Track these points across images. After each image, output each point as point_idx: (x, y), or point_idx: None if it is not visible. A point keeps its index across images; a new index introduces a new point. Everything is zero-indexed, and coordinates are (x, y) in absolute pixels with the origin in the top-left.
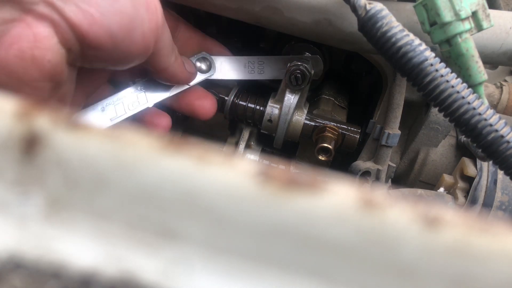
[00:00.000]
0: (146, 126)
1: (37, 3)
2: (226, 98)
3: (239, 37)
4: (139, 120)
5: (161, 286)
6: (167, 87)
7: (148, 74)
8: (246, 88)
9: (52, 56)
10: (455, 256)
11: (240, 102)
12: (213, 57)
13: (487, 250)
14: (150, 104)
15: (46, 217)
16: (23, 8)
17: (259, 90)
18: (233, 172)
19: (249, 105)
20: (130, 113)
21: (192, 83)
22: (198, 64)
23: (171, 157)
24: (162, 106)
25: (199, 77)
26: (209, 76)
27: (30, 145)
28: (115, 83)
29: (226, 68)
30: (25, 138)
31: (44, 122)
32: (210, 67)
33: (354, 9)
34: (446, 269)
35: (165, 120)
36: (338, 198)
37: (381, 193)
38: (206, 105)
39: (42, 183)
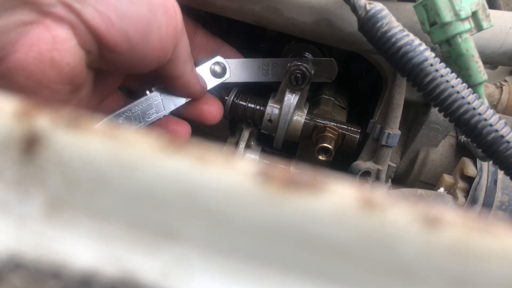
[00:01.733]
0: (167, 134)
1: (55, 5)
2: (226, 98)
3: (239, 37)
4: (159, 128)
5: (161, 286)
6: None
7: (161, 81)
8: (246, 88)
9: (71, 58)
10: (455, 256)
11: (240, 102)
12: (227, 60)
13: (487, 250)
14: (167, 112)
15: (46, 217)
16: (41, 10)
17: (259, 90)
18: (233, 172)
19: (249, 105)
20: (149, 121)
21: (208, 87)
22: (212, 67)
23: (171, 157)
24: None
25: (215, 82)
26: (224, 80)
27: (30, 145)
28: (129, 91)
29: (240, 71)
30: (25, 138)
31: (44, 122)
32: (225, 71)
33: (354, 9)
34: (446, 269)
35: (186, 128)
36: (338, 198)
37: (381, 193)
38: (213, 110)
39: (42, 183)
